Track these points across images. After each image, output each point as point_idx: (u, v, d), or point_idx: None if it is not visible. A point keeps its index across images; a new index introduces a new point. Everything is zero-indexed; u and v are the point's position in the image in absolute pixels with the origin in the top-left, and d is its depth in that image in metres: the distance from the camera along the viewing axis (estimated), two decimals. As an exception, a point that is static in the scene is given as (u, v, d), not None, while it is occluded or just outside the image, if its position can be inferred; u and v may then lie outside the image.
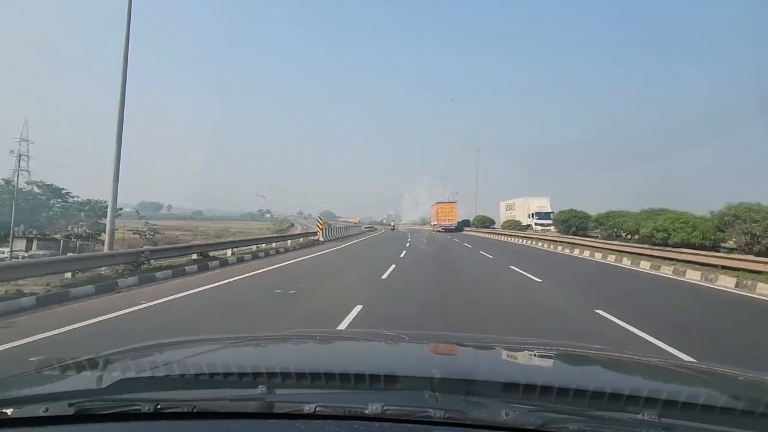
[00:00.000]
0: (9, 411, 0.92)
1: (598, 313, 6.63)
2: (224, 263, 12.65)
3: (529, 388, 1.01)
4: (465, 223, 59.29)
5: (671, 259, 14.15)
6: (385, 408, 0.87)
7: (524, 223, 40.45)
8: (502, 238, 36.93)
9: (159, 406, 0.91)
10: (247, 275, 10.51)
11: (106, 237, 11.49)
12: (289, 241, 21.61)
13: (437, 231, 54.55)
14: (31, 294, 6.86)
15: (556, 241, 25.84)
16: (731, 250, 14.78)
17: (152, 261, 10.63)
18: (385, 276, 10.54)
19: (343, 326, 5.49)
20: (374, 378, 1.06)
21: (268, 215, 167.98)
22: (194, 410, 0.91)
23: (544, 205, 40.79)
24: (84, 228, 37.50)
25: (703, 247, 14.53)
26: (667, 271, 13.30)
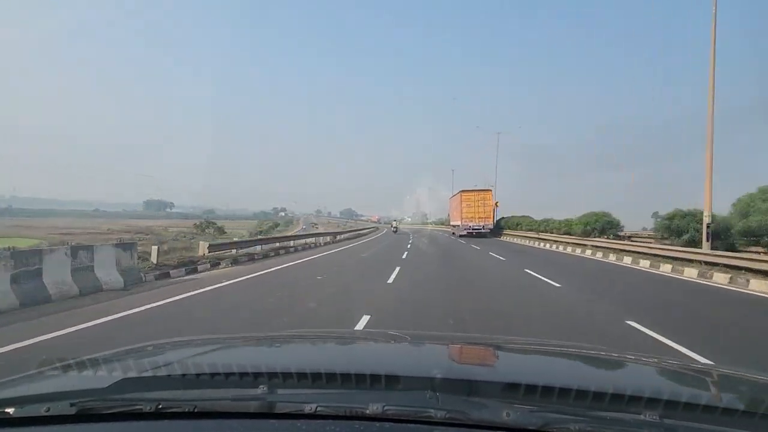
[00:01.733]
0: (11, 410, 0.92)
1: None
2: None
3: (531, 389, 1.01)
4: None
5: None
6: (385, 408, 0.87)
7: None
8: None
9: (160, 406, 0.91)
10: None
11: None
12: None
13: (459, 235, 36.95)
14: None
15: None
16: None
17: None
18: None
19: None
20: (375, 378, 1.05)
21: (282, 213, 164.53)
22: (195, 410, 0.91)
23: None
24: None
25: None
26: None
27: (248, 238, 22.30)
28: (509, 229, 37.41)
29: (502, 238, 35.72)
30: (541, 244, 27.33)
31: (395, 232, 44.99)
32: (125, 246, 9.60)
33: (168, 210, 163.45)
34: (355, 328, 5.36)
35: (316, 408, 0.89)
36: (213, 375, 1.11)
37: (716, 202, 13.81)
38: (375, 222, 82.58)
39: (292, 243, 21.20)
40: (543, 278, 11.05)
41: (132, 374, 1.12)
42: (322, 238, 27.11)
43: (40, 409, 0.91)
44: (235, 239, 20.37)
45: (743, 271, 11.21)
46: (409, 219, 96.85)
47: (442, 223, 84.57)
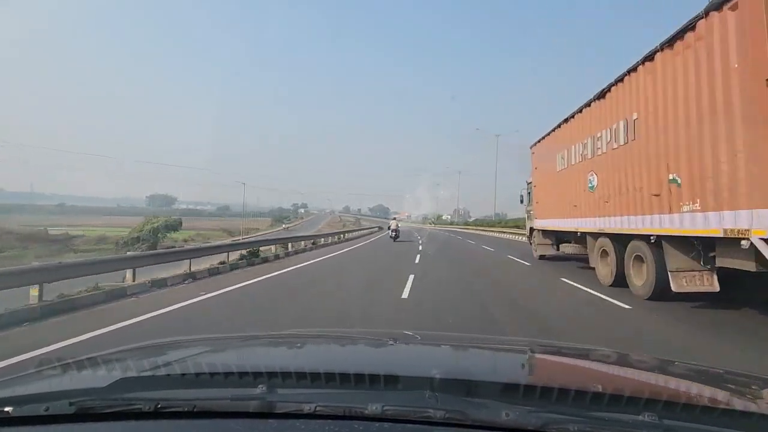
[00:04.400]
0: (10, 410, 0.92)
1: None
2: None
3: (530, 389, 1.01)
4: None
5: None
6: (384, 408, 0.87)
7: None
8: None
9: (159, 405, 0.91)
10: None
11: None
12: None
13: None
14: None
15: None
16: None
17: None
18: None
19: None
20: (374, 378, 1.06)
21: (302, 210, 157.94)
22: (194, 409, 0.91)
23: None
24: None
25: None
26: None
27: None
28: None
29: None
30: None
31: (395, 238, 26.24)
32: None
33: (171, 206, 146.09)
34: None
35: (315, 408, 0.88)
36: (212, 374, 1.11)
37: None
38: (404, 218, 76.35)
39: (188, 264, 10.78)
40: None
41: (131, 374, 1.13)
42: (277, 246, 16.57)
43: (39, 409, 0.91)
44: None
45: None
46: (448, 217, 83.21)
47: (449, 223, 61.21)
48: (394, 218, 29.58)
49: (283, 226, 68.50)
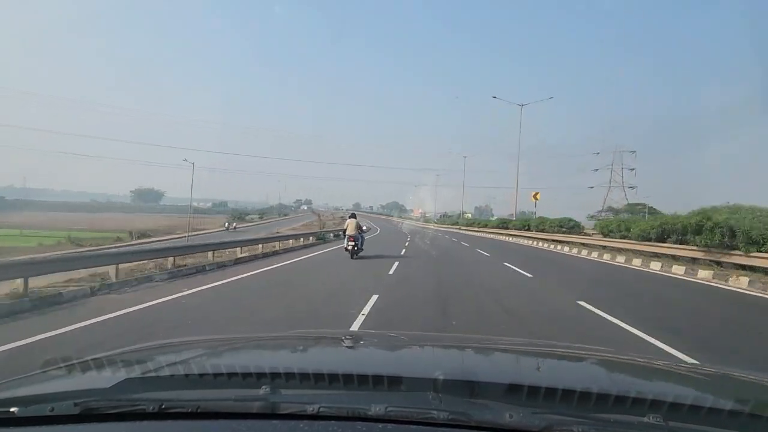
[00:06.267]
0: (15, 410, 0.93)
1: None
2: None
3: (533, 390, 1.01)
4: None
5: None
6: (388, 409, 0.87)
7: None
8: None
9: (163, 406, 0.91)
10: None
11: None
12: None
13: None
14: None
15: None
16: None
17: None
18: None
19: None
20: (377, 379, 1.05)
21: (305, 207, 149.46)
22: (198, 410, 0.92)
23: None
24: None
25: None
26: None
27: None
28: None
29: None
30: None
31: (353, 252, 13.96)
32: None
33: (158, 202, 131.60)
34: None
35: (319, 409, 0.89)
36: (216, 375, 1.11)
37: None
38: (417, 216, 69.03)
39: None
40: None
41: (135, 374, 1.13)
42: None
43: (44, 409, 0.92)
44: None
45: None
46: (470, 215, 69.60)
47: (453, 223, 51.00)
48: (352, 215, 16.20)
49: (226, 224, 52.32)
